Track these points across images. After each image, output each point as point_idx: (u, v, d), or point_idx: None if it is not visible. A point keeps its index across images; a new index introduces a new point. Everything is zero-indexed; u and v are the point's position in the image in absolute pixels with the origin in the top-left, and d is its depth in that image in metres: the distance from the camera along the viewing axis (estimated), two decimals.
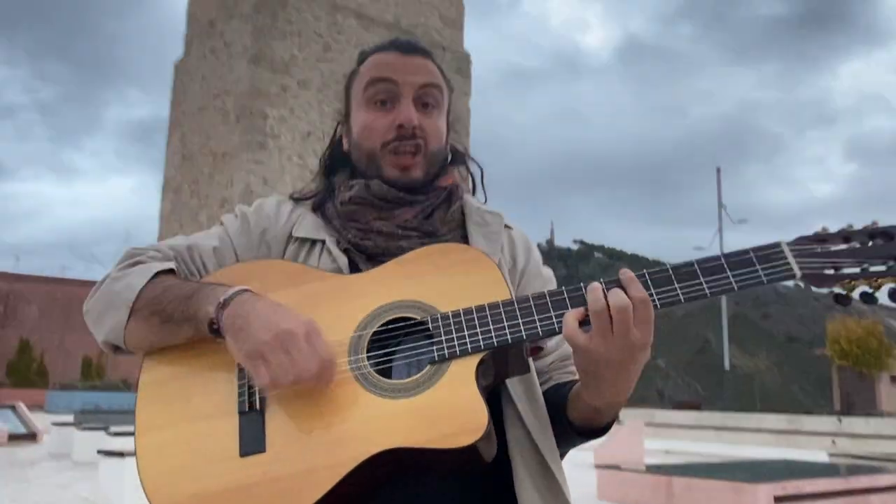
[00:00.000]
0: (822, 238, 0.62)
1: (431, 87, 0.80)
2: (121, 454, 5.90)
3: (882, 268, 0.59)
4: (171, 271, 0.71)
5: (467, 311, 0.63)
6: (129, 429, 4.69)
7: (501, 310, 0.62)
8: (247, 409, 0.62)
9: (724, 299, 18.71)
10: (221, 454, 0.61)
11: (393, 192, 0.77)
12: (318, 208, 0.83)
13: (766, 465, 7.92)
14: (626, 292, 0.57)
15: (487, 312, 0.62)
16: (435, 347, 0.62)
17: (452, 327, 0.62)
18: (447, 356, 0.61)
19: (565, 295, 0.63)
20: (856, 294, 0.62)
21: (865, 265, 0.60)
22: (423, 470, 0.63)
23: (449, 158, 0.86)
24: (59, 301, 33.73)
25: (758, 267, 0.61)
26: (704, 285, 0.61)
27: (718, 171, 20.27)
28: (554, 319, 0.61)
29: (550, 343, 0.78)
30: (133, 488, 3.80)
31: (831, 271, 0.61)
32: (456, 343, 0.61)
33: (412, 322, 0.64)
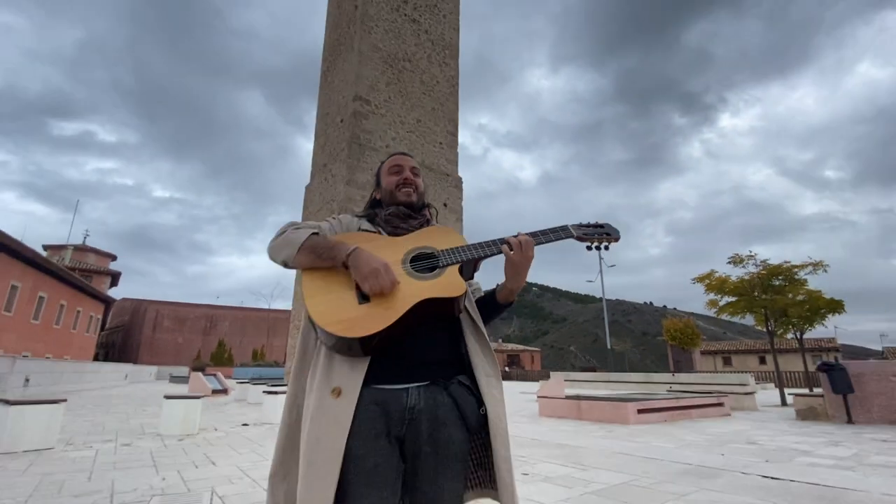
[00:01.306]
0: (583, 224, 1.43)
1: (415, 168, 1.55)
2: (274, 393, 8.73)
3: (599, 239, 1.44)
4: (316, 233, 1.29)
5: (452, 248, 1.29)
6: (280, 388, 9.17)
7: (467, 247, 1.31)
8: (359, 288, 1.19)
9: (605, 312, 30.52)
10: (350, 304, 1.17)
11: (406, 210, 1.47)
12: (370, 220, 1.49)
13: (632, 396, 10.89)
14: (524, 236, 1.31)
15: (461, 248, 1.30)
16: (440, 262, 1.26)
17: (447, 254, 1.28)
18: (445, 265, 1.25)
19: (500, 240, 1.33)
20: (593, 247, 1.44)
21: (595, 236, 1.42)
22: (435, 313, 1.21)
23: (425, 203, 1.58)
24: (239, 319, 51.29)
25: (568, 232, 1.38)
26: (552, 236, 1.37)
27: None
28: (495, 249, 1.31)
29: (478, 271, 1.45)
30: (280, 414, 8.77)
31: (584, 237, 1.41)
32: (450, 260, 1.26)
33: (429, 252, 1.30)
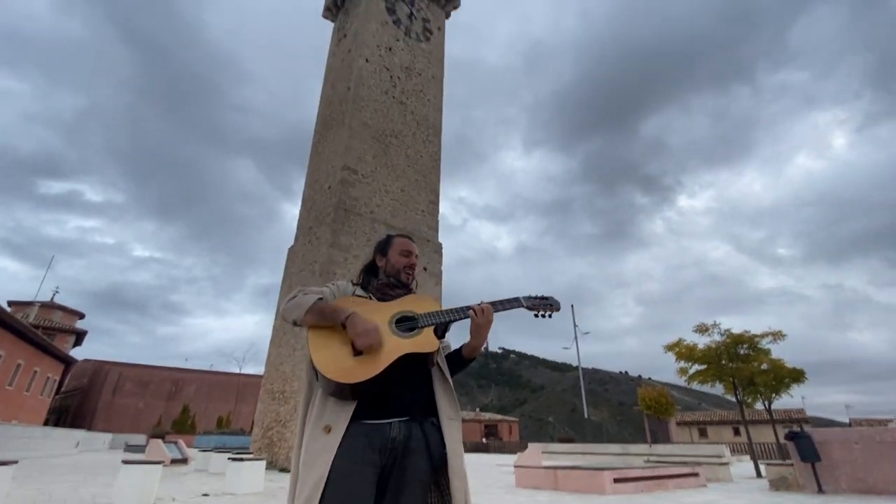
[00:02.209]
0: (532, 297, 1.78)
1: (415, 253, 1.90)
2: (240, 460, 8.38)
3: (545, 309, 1.79)
4: (321, 298, 1.61)
5: (429, 312, 1.64)
6: (244, 455, 8.99)
7: (441, 311, 1.65)
8: (353, 345, 1.50)
9: (581, 381, 30.13)
10: (346, 356, 1.49)
11: (396, 282, 1.83)
12: (364, 286, 1.83)
13: (608, 464, 11.29)
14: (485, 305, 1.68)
15: (436, 312, 1.64)
16: (419, 323, 1.59)
17: (424, 317, 1.62)
18: (423, 326, 1.60)
19: (467, 307, 1.67)
20: (539, 315, 1.78)
21: (541, 306, 1.78)
22: (413, 364, 1.55)
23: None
24: (206, 383, 48.88)
25: (519, 303, 1.75)
26: (507, 305, 1.74)
27: (572, 307, 30.11)
28: (463, 314, 1.65)
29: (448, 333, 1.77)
30: (245, 483, 7.68)
31: (532, 307, 1.76)
32: (427, 322, 1.60)
33: (410, 315, 1.63)
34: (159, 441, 15.30)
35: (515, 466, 10.76)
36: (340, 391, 1.48)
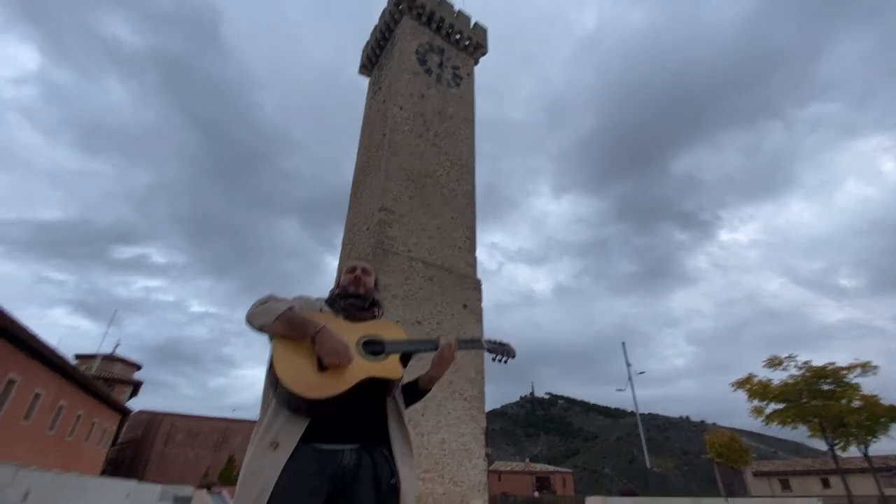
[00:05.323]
0: (492, 340, 1.89)
1: (366, 269, 1.93)
2: None
3: (502, 354, 1.90)
4: (291, 308, 1.54)
5: (397, 340, 1.67)
6: None
7: (408, 340, 1.71)
8: (319, 359, 1.48)
9: (640, 428, 26.01)
10: (310, 370, 1.45)
11: (360, 303, 1.81)
12: (330, 304, 1.82)
13: None
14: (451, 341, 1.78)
15: (403, 340, 1.69)
16: (385, 349, 1.61)
17: (392, 344, 1.64)
18: (389, 352, 1.62)
19: (433, 339, 1.77)
20: (498, 358, 1.90)
21: (499, 350, 1.90)
22: (373, 390, 1.53)
23: (375, 301, 1.90)
24: (251, 432, 50.31)
25: (480, 344, 1.88)
26: (470, 344, 1.87)
27: (623, 344, 27.33)
28: (429, 346, 1.74)
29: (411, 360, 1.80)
30: None
31: (491, 350, 1.89)
32: (393, 349, 1.63)
33: (378, 340, 1.63)
34: (204, 492, 15.19)
35: None
36: (297, 406, 1.43)
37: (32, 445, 19.42)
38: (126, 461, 45.41)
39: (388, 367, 1.58)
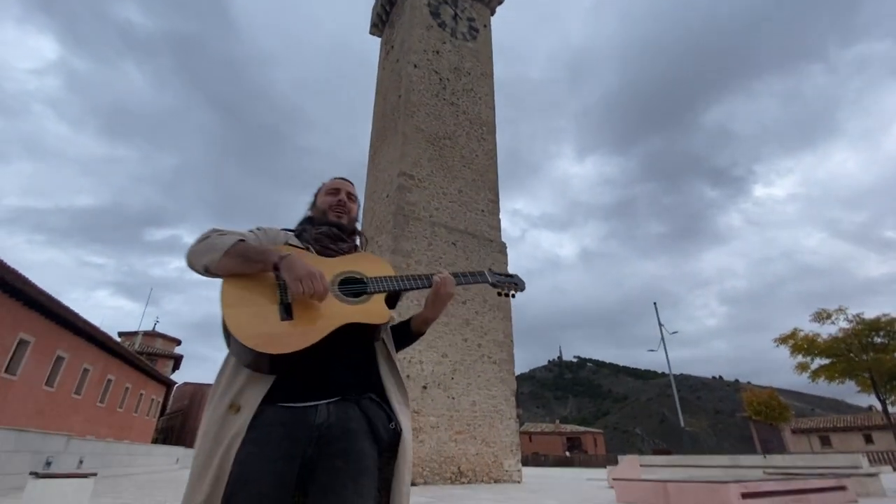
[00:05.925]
0: (497, 273, 1.56)
1: (351, 193, 1.55)
2: None
3: (509, 287, 1.57)
4: (242, 240, 1.22)
5: (381, 277, 1.31)
6: None
7: (396, 277, 1.33)
8: (283, 303, 1.15)
9: (674, 388, 26.05)
10: (271, 319, 1.12)
11: (336, 231, 1.46)
12: (298, 236, 1.44)
13: (717, 478, 9.34)
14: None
15: (389, 277, 1.32)
16: (368, 289, 1.27)
17: (375, 282, 1.29)
18: (372, 292, 1.27)
19: (425, 274, 1.41)
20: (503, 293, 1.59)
21: (506, 283, 1.56)
22: (354, 337, 1.20)
23: (355, 229, 1.57)
24: None
25: (485, 277, 1.52)
26: (470, 278, 1.50)
27: (655, 304, 26.94)
28: (422, 283, 1.37)
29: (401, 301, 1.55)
30: None
31: (497, 284, 1.55)
32: (377, 287, 1.28)
33: (358, 278, 1.29)
34: None
35: (615, 479, 9.73)
36: (257, 363, 1.10)
37: (86, 416, 20.61)
38: (175, 429, 48.35)
39: (372, 310, 1.26)
